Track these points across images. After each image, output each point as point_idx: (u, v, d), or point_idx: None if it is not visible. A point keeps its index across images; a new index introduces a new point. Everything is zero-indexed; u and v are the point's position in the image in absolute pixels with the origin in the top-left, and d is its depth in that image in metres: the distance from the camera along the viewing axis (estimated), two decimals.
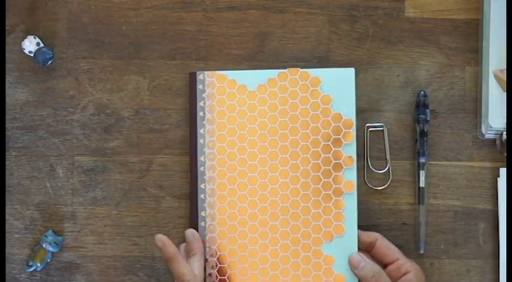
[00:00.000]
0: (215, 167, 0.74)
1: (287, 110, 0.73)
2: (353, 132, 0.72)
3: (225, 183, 0.74)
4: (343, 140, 0.72)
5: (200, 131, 0.75)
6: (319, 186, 0.72)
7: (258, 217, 0.73)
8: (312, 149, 0.72)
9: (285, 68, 0.74)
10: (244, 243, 0.73)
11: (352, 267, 0.71)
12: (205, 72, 0.75)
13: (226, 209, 0.74)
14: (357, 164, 0.72)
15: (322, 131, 0.72)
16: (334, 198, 0.72)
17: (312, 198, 0.72)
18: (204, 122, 0.75)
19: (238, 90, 0.74)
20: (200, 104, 0.75)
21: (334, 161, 0.72)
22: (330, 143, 0.72)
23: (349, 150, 0.72)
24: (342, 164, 0.72)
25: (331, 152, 0.72)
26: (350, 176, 0.72)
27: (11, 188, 0.77)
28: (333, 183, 0.72)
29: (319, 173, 0.72)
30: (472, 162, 0.76)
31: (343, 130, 0.72)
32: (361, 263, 0.70)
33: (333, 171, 0.72)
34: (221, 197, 0.74)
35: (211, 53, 0.78)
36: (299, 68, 0.73)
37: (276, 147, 0.73)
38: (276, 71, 0.74)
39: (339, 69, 0.73)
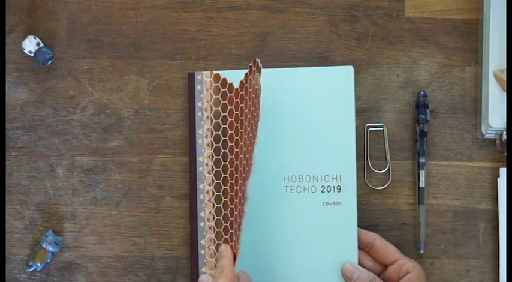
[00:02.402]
0: (212, 167, 0.74)
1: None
2: (352, 132, 0.72)
3: (220, 183, 0.74)
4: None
5: (199, 131, 0.75)
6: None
7: None
8: None
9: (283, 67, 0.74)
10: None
11: (346, 278, 0.70)
12: (203, 72, 0.75)
13: (221, 210, 0.73)
14: (356, 164, 0.72)
15: None
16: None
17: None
18: (203, 123, 0.75)
19: (228, 89, 0.74)
20: (198, 104, 0.75)
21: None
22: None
23: (348, 150, 0.72)
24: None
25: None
26: (349, 177, 0.72)
27: (11, 188, 0.77)
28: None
29: None
30: (472, 162, 0.77)
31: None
32: (355, 272, 0.69)
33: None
34: (217, 198, 0.74)
35: (211, 53, 0.78)
36: (257, 59, 0.68)
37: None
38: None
39: (337, 67, 0.73)
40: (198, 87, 0.75)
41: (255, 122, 0.67)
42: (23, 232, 0.77)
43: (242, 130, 0.71)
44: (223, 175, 0.74)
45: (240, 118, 0.72)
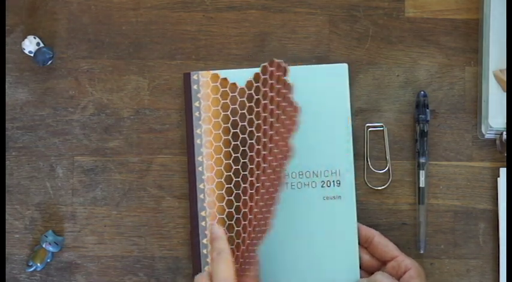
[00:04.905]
0: (213, 166, 0.74)
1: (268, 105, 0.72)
2: (349, 128, 0.73)
3: (222, 182, 0.74)
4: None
5: (197, 131, 0.75)
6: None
7: None
8: None
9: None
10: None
11: None
12: (200, 72, 0.75)
13: (224, 208, 0.74)
14: (355, 162, 0.73)
15: None
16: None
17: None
18: (200, 122, 0.75)
19: (230, 88, 0.74)
20: (195, 104, 0.75)
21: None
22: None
23: (346, 146, 0.73)
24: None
25: None
26: (347, 171, 0.73)
27: (11, 188, 0.77)
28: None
29: None
30: (472, 162, 0.77)
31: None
32: None
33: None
34: (219, 196, 0.74)
35: (211, 53, 0.78)
36: (277, 60, 0.69)
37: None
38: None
39: (332, 65, 0.75)
40: (194, 87, 0.75)
41: (287, 118, 0.67)
42: (23, 232, 0.77)
43: (252, 128, 0.71)
44: (225, 174, 0.74)
45: (249, 117, 0.72)
